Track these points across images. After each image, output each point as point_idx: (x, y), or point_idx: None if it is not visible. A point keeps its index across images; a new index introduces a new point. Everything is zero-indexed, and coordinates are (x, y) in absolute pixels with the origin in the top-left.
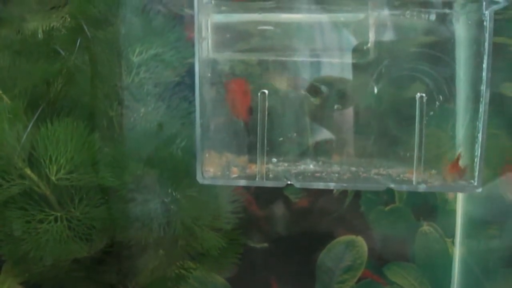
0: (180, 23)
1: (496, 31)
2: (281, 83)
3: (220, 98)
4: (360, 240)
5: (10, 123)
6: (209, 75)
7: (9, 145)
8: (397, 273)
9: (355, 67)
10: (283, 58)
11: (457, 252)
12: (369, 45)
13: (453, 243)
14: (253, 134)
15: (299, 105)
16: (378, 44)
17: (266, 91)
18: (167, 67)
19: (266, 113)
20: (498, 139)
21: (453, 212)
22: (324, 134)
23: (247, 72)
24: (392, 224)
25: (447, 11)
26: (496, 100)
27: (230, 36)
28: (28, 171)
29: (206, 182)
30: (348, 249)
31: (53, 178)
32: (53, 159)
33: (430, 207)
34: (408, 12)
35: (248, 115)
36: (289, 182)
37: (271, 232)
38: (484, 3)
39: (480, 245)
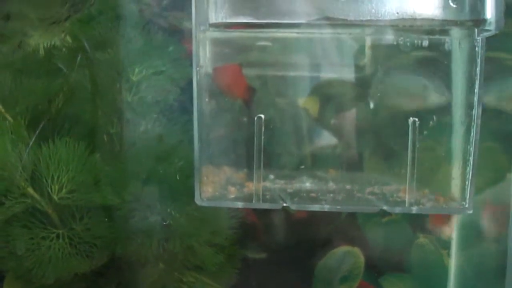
0: (181, 37)
1: (493, 46)
2: (280, 96)
3: (219, 111)
4: (357, 251)
5: (12, 143)
6: (208, 90)
7: (12, 165)
8: (394, 284)
9: (352, 82)
10: (282, 73)
11: (453, 263)
12: (365, 60)
13: (448, 254)
14: (251, 146)
15: (297, 118)
16: (374, 59)
17: (263, 116)
18: (167, 83)
19: (262, 137)
20: (494, 152)
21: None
22: (327, 139)
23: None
24: (388, 236)
25: (440, 37)
26: (494, 115)
27: (228, 51)
28: (30, 190)
29: (204, 204)
30: (345, 260)
31: (55, 197)
32: (55, 178)
33: (426, 219)
34: (401, 38)
35: (248, 93)
36: (284, 204)
37: (269, 243)
38: (476, 31)
39: (475, 257)
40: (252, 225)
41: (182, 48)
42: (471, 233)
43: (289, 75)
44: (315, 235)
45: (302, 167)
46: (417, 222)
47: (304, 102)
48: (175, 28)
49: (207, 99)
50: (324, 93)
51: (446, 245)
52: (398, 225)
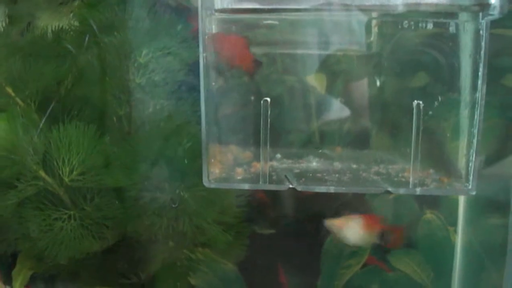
0: (188, 15)
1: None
2: (287, 73)
3: (227, 89)
4: None
5: (23, 128)
6: (215, 69)
7: (24, 149)
8: (401, 259)
9: (359, 59)
10: (289, 51)
11: (459, 239)
12: (372, 38)
13: (455, 231)
14: (258, 124)
15: (304, 95)
16: (380, 39)
17: (268, 99)
18: (176, 62)
19: (269, 120)
20: (499, 128)
21: (455, 200)
22: (335, 116)
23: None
24: (396, 212)
25: (445, 20)
26: (499, 92)
27: (235, 29)
28: (42, 173)
29: (212, 185)
30: None
31: (66, 179)
32: (66, 161)
33: (433, 195)
34: (405, 22)
35: (254, 66)
36: (290, 186)
37: (277, 219)
38: (480, 14)
39: (481, 233)
40: (261, 201)
41: (189, 26)
42: (478, 210)
43: (297, 52)
44: (324, 211)
45: (309, 145)
46: (424, 198)
47: (312, 79)
48: (182, 7)
49: (214, 78)
50: (332, 70)
51: (453, 221)
52: (405, 202)
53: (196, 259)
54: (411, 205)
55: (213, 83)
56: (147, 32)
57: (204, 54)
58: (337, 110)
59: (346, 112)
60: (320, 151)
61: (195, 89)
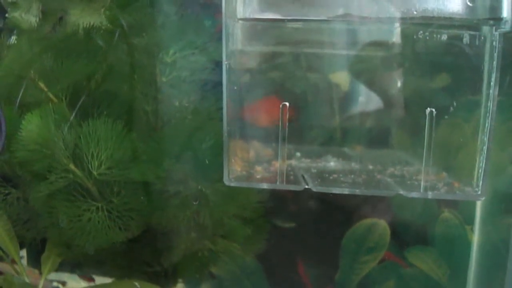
0: (215, 11)
1: None
2: (311, 71)
3: (250, 86)
4: (383, 223)
5: (55, 123)
6: (239, 65)
7: (55, 143)
8: (418, 256)
9: (381, 60)
10: (313, 50)
11: (476, 239)
12: (394, 39)
13: (472, 230)
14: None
15: (327, 93)
16: (399, 44)
17: (287, 104)
18: (203, 59)
19: (287, 124)
20: None
21: (473, 201)
22: (356, 115)
23: (278, 60)
24: (414, 210)
25: (459, 32)
26: None
27: (260, 27)
28: (72, 166)
29: (232, 184)
30: (371, 232)
31: (94, 172)
32: (95, 155)
33: None
34: (420, 32)
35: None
36: (306, 186)
37: (298, 213)
38: (493, 27)
39: (498, 232)
40: (281, 195)
41: (217, 23)
42: (495, 208)
43: (320, 52)
44: (343, 207)
45: (331, 143)
46: None
47: (335, 76)
48: (210, 2)
49: (236, 74)
50: (354, 68)
51: (470, 220)
52: (424, 200)
53: (217, 250)
54: (430, 204)
55: (236, 78)
56: (175, 32)
57: (227, 62)
58: (361, 105)
59: (370, 106)
60: (342, 148)
61: (221, 86)
